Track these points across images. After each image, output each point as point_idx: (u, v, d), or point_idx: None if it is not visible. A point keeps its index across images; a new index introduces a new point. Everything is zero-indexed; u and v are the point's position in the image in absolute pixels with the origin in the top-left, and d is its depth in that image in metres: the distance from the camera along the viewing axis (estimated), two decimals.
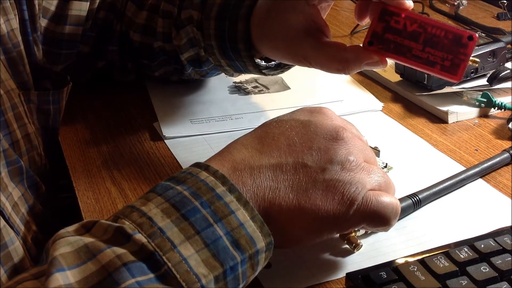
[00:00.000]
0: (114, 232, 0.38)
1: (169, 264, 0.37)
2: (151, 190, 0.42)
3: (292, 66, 0.67)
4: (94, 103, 0.78)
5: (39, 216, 0.56)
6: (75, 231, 0.39)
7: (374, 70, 0.86)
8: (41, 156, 0.61)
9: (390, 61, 0.84)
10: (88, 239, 0.38)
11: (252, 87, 0.82)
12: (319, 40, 0.56)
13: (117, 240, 0.37)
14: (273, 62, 0.67)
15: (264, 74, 0.66)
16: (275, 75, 0.68)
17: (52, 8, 0.70)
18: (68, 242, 0.37)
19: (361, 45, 0.53)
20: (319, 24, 0.57)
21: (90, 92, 0.80)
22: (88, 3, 0.73)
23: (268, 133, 0.48)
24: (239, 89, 0.82)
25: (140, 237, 0.37)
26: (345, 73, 0.56)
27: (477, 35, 0.49)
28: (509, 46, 0.90)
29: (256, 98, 0.79)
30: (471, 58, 0.49)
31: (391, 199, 0.46)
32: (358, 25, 1.03)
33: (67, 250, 0.37)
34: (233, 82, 0.83)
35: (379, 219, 0.46)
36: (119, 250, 0.37)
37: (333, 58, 0.55)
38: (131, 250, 0.37)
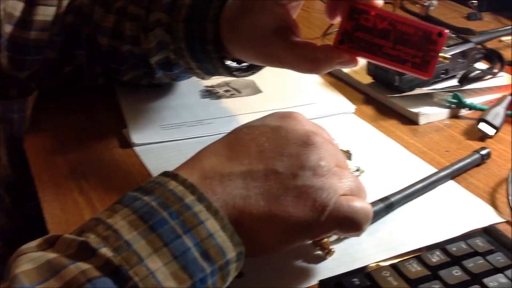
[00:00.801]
0: (78, 247, 0.37)
1: (136, 279, 0.36)
2: (118, 201, 0.41)
3: (263, 67, 0.67)
4: (61, 109, 0.76)
5: (3, 229, 0.55)
6: (37, 247, 0.38)
7: (345, 69, 0.86)
8: (5, 166, 0.60)
9: (362, 63, 0.84)
10: (51, 255, 0.36)
11: (223, 91, 0.81)
12: (290, 40, 0.56)
13: (82, 255, 0.36)
14: (244, 64, 0.66)
15: (235, 76, 0.66)
16: (246, 77, 0.68)
17: (17, 13, 0.68)
18: (30, 258, 0.36)
19: (332, 44, 0.52)
20: (289, 24, 0.56)
21: (57, 98, 0.78)
22: (55, 8, 0.71)
23: (238, 139, 0.47)
24: (210, 93, 0.81)
25: (105, 251, 0.36)
26: (316, 73, 0.55)
27: (447, 31, 0.49)
28: (479, 46, 0.90)
29: (227, 102, 0.78)
30: (442, 54, 0.49)
31: (362, 204, 0.46)
32: (330, 26, 1.03)
33: (29, 267, 0.36)
34: (204, 86, 0.82)
35: (351, 224, 0.45)
36: (84, 266, 0.36)
37: (304, 58, 0.54)
38: (96, 265, 0.36)
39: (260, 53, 0.58)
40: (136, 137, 0.69)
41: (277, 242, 0.45)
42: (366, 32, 0.50)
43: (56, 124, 0.73)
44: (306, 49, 0.54)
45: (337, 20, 0.54)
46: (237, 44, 0.60)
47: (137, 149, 0.67)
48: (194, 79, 0.81)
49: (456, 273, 0.45)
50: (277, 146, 0.46)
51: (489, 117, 0.70)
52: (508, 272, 0.45)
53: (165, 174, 0.42)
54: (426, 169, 0.63)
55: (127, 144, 0.68)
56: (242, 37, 0.59)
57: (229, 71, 0.64)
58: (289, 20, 0.56)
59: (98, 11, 0.74)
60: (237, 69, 0.66)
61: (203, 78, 0.74)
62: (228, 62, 0.64)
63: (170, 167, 0.44)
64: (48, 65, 0.75)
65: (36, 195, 0.60)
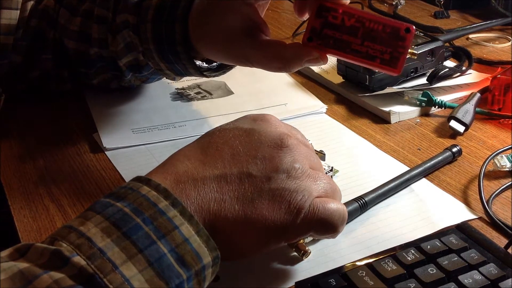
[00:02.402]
0: (51, 256, 0.36)
1: (111, 287, 0.35)
2: (90, 208, 0.40)
3: (234, 67, 0.66)
4: (29, 115, 0.75)
5: None
6: (8, 256, 0.37)
7: (316, 69, 0.86)
8: None
9: (333, 62, 0.85)
10: (22, 265, 0.35)
11: (194, 93, 0.81)
12: (258, 39, 0.56)
13: (54, 264, 0.36)
14: (214, 64, 0.66)
15: (206, 76, 0.65)
16: (217, 76, 0.67)
17: None
18: (2, 268, 0.35)
19: (301, 42, 0.52)
20: (257, 23, 0.56)
21: (24, 103, 0.77)
22: (18, 11, 0.69)
23: (212, 143, 0.46)
24: (181, 95, 0.80)
25: (78, 259, 0.36)
26: (286, 71, 0.55)
27: (414, 27, 0.49)
28: (446, 44, 0.91)
29: (199, 105, 0.78)
30: (410, 50, 0.49)
31: (337, 206, 0.46)
32: (299, 26, 1.04)
33: (2, 278, 0.35)
34: (175, 89, 0.82)
35: (326, 226, 0.45)
36: (57, 275, 0.35)
37: (273, 56, 0.54)
38: (69, 274, 0.35)
39: (229, 53, 0.58)
40: (107, 142, 0.68)
41: (252, 246, 0.45)
42: (335, 29, 0.50)
43: (24, 130, 0.71)
44: (275, 47, 0.54)
45: (306, 17, 0.54)
46: (206, 44, 0.59)
47: (108, 153, 0.66)
48: (164, 81, 0.81)
49: (431, 271, 0.46)
50: (251, 149, 0.46)
51: (459, 115, 0.70)
52: (482, 269, 0.45)
53: (138, 179, 0.42)
54: (399, 168, 0.63)
55: (98, 148, 0.67)
56: (210, 37, 0.58)
57: (200, 72, 0.63)
58: (257, 19, 0.56)
59: (63, 14, 0.73)
60: (208, 69, 0.65)
61: (173, 79, 0.73)
62: (198, 63, 0.64)
63: (142, 171, 0.44)
64: (14, 70, 0.73)
65: (6, 202, 0.58)
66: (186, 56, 0.61)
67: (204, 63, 0.65)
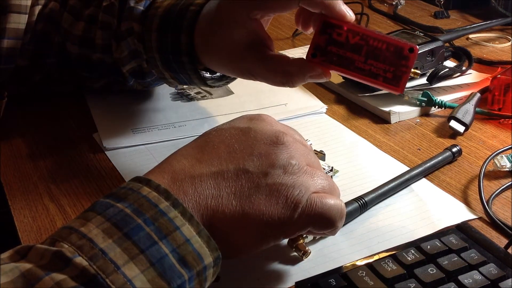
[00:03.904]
0: (52, 257, 0.36)
1: (113, 287, 0.35)
2: (90, 209, 0.40)
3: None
4: (29, 115, 0.75)
5: None
6: (9, 258, 0.37)
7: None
8: None
9: None
10: (24, 267, 0.35)
11: (195, 93, 0.81)
12: (263, 54, 0.56)
13: (56, 265, 0.36)
14: (218, 74, 0.66)
15: (210, 86, 0.65)
16: (220, 86, 0.68)
17: None
18: (3, 271, 0.35)
19: (305, 57, 0.53)
20: (262, 37, 0.57)
21: (25, 103, 0.77)
22: (27, 15, 0.69)
23: (208, 142, 0.47)
24: (181, 95, 0.80)
25: (80, 260, 0.36)
26: (289, 86, 0.56)
27: (417, 47, 0.50)
28: (446, 44, 0.92)
29: (199, 104, 0.78)
30: (413, 70, 0.50)
31: (336, 201, 0.46)
32: None
33: (3, 281, 0.35)
34: (175, 89, 0.82)
35: (325, 221, 0.45)
36: (59, 276, 0.35)
37: (277, 71, 0.55)
38: (71, 275, 0.35)
39: (234, 66, 0.58)
40: (107, 142, 0.68)
41: (251, 242, 0.45)
42: (339, 46, 0.51)
43: (24, 131, 0.71)
44: (279, 62, 0.55)
45: (310, 31, 0.55)
46: (211, 57, 0.60)
47: (108, 153, 0.67)
48: None
49: (431, 271, 0.46)
50: (247, 147, 0.46)
51: (459, 115, 0.70)
52: (482, 269, 0.46)
53: (137, 179, 0.42)
54: (399, 168, 0.63)
55: (98, 149, 0.68)
56: (215, 50, 0.58)
57: (204, 82, 0.63)
58: (262, 34, 0.57)
59: (66, 18, 0.73)
60: (211, 79, 0.65)
61: (175, 87, 0.74)
62: (202, 72, 0.64)
63: (142, 171, 0.44)
64: (19, 73, 0.73)
65: (6, 202, 0.59)
66: (191, 66, 0.61)
67: (208, 73, 0.65)
